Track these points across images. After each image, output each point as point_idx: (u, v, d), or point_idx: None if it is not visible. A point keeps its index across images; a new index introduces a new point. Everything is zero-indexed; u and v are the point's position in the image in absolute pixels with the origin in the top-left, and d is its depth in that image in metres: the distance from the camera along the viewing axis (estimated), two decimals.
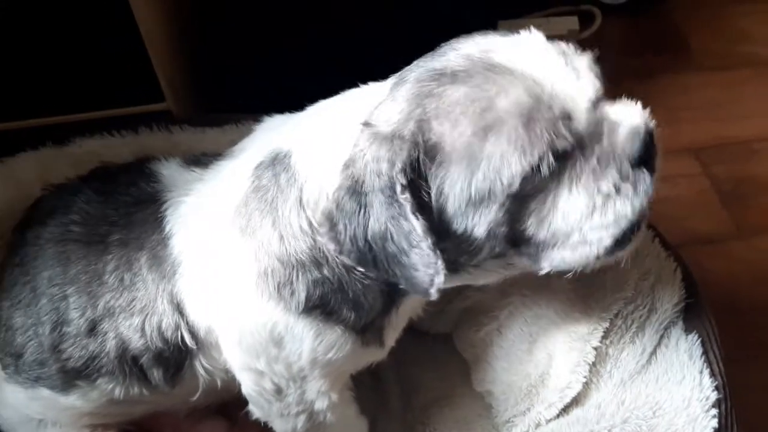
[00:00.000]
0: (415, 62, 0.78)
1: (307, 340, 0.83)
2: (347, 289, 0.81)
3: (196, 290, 0.85)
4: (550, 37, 0.76)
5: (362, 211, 0.71)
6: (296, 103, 1.26)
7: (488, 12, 1.54)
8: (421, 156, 0.70)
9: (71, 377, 0.91)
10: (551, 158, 0.68)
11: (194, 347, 0.87)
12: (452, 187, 0.70)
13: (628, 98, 0.75)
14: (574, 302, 1.01)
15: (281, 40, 1.37)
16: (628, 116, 0.72)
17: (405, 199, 0.69)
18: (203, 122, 1.23)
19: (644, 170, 0.72)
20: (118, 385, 0.90)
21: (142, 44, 1.16)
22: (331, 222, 0.73)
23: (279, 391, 0.89)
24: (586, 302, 1.00)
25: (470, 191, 0.70)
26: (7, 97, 1.24)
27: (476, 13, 1.45)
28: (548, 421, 1.00)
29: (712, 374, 0.93)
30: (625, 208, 0.72)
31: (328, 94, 1.29)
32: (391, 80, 0.79)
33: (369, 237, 0.72)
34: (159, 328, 0.86)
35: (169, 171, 0.93)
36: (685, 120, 1.69)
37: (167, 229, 0.86)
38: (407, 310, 0.89)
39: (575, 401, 0.98)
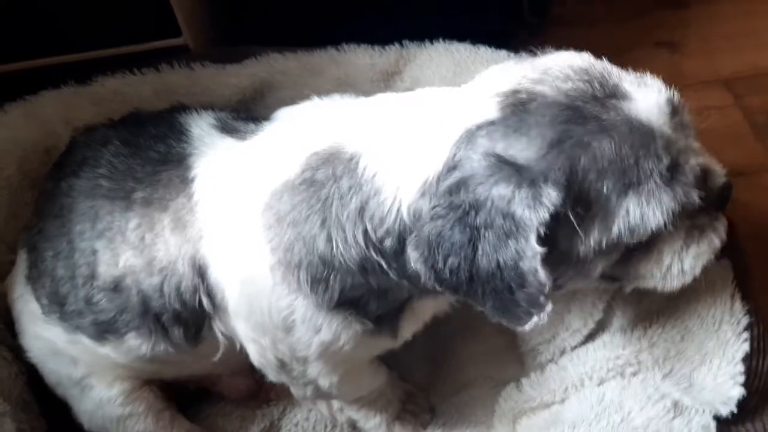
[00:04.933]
0: (515, 75, 0.73)
1: (324, 332, 0.83)
2: (382, 288, 0.80)
3: (220, 257, 0.85)
4: None
5: (470, 244, 0.68)
6: (313, 37, 1.25)
7: None
8: (567, 211, 0.67)
9: (102, 330, 0.93)
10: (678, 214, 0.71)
11: (211, 311, 0.88)
12: (586, 239, 0.70)
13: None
14: None
15: None
16: (718, 169, 0.78)
17: (539, 250, 0.66)
18: (222, 58, 1.22)
19: (721, 211, 0.79)
20: (144, 341, 0.92)
21: None
22: (430, 250, 0.70)
23: (283, 365, 0.89)
24: None
25: (602, 244, 0.70)
26: (25, 36, 1.23)
27: None
28: (573, 348, 1.00)
29: (744, 298, 0.91)
30: (714, 241, 0.78)
31: (347, 30, 1.27)
32: (482, 95, 0.73)
33: (474, 271, 0.69)
34: (177, 289, 0.86)
35: (200, 130, 0.92)
36: (718, 50, 1.63)
37: (195, 196, 0.86)
38: (427, 309, 0.89)
39: (600, 327, 0.97)
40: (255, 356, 0.90)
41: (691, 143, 0.72)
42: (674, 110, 0.72)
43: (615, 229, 0.69)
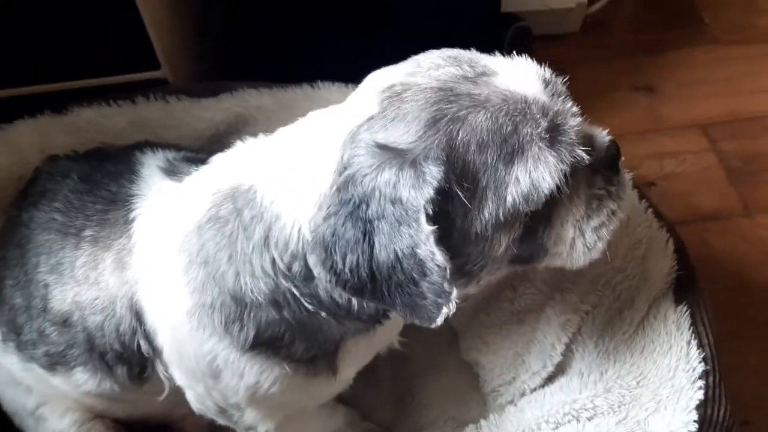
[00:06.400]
0: (392, 74, 0.73)
1: (248, 376, 0.81)
2: (305, 326, 0.79)
3: (153, 302, 0.85)
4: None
5: (366, 238, 0.67)
6: (292, 72, 1.26)
7: None
8: (453, 186, 0.67)
9: (53, 361, 0.93)
10: (569, 176, 0.71)
11: (150, 354, 0.87)
12: (480, 213, 0.69)
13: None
14: (564, 271, 0.99)
15: (279, 6, 1.36)
16: (599, 131, 0.79)
17: (430, 230, 0.65)
18: (198, 92, 1.23)
19: (616, 172, 0.79)
20: (91, 377, 0.92)
21: (137, 10, 1.16)
22: (327, 251, 0.68)
23: (222, 411, 0.89)
24: (575, 271, 0.98)
25: (498, 216, 0.69)
26: (4, 64, 1.24)
27: None
28: (532, 390, 1.00)
29: (701, 346, 0.91)
30: (614, 205, 0.78)
31: (325, 64, 1.29)
32: (363, 98, 0.73)
33: (374, 266, 0.67)
34: (117, 330, 0.86)
35: (149, 171, 0.92)
36: (695, 95, 1.65)
37: (134, 237, 0.86)
38: (363, 347, 0.86)
39: (559, 370, 0.97)
40: (194, 403, 0.90)
41: (567, 108, 0.73)
42: (546, 81, 0.73)
43: (509, 198, 0.69)
